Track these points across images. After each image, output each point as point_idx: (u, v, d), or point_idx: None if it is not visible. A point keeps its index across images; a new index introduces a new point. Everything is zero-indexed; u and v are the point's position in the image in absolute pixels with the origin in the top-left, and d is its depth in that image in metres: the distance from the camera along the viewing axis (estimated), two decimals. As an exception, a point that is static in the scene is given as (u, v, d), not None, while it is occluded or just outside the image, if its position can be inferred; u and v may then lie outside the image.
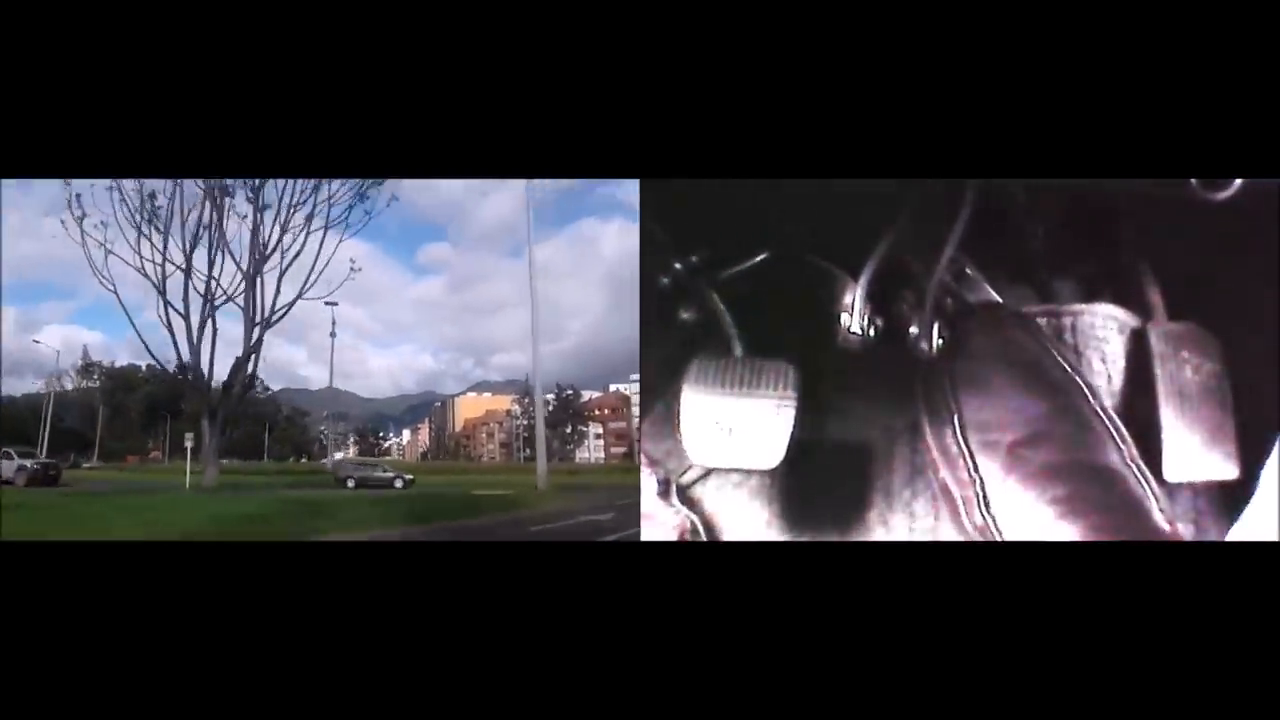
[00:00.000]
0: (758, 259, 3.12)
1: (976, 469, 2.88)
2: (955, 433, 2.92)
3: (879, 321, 3.04)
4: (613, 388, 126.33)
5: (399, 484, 32.21)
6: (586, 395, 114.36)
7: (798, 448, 2.77)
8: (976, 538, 2.85)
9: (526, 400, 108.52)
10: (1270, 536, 2.63)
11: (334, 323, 42.17)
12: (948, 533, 2.90)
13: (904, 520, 2.96)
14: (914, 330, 3.03)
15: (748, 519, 2.95)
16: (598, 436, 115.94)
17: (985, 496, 2.86)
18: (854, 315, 3.02)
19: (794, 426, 2.76)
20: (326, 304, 34.10)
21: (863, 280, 2.99)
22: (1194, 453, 2.87)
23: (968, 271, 3.11)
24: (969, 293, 3.11)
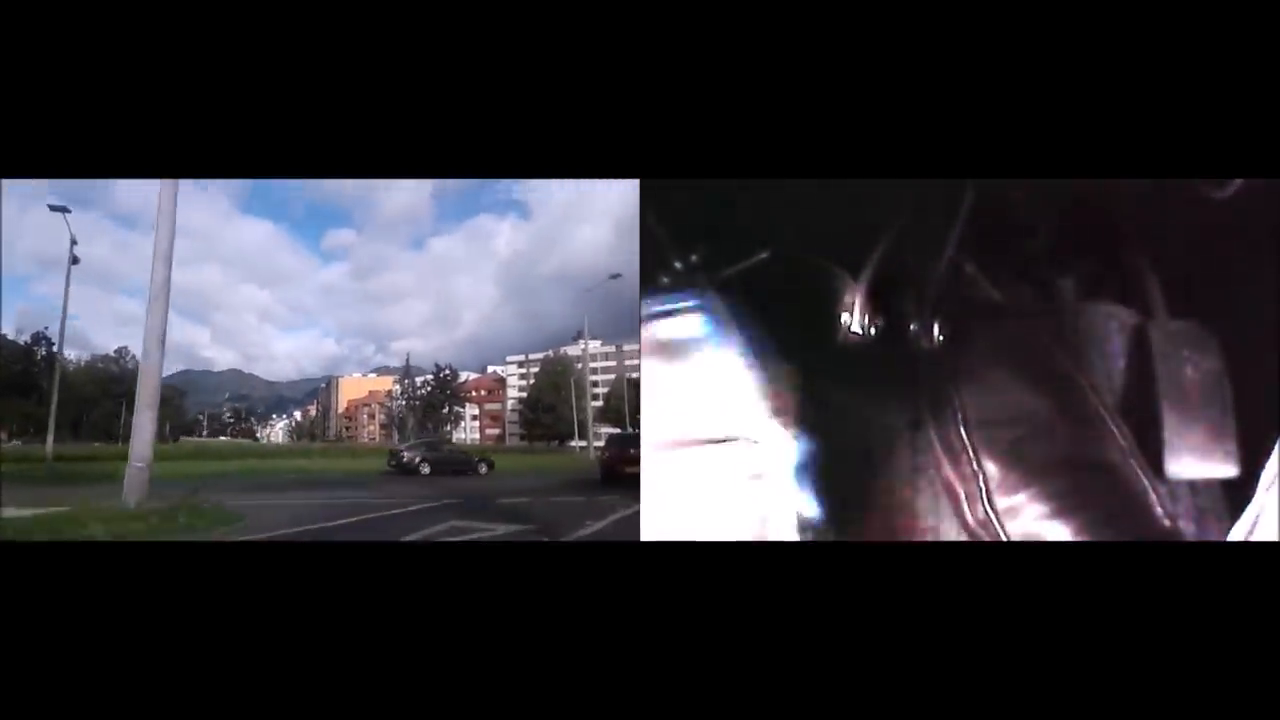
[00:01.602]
0: (758, 258, 3.10)
1: (979, 463, 2.92)
2: (958, 427, 2.95)
3: (880, 320, 3.05)
4: (490, 369, 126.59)
5: (483, 469, 27.09)
6: (465, 376, 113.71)
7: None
8: (979, 531, 2.88)
9: (406, 381, 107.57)
10: (1270, 536, 2.63)
11: (73, 242, 27.40)
12: (950, 527, 2.94)
13: (907, 515, 2.99)
14: (915, 328, 3.06)
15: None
16: (474, 417, 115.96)
17: (988, 490, 2.90)
18: (855, 314, 3.03)
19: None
20: (52, 209, 26.33)
21: (863, 279, 3.00)
22: (1194, 450, 2.91)
23: (968, 270, 3.14)
24: (970, 291, 3.14)
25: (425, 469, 25.71)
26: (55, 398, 28.85)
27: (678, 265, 3.08)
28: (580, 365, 70.52)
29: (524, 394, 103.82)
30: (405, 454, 27.23)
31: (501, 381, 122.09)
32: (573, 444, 71.93)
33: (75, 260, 27.69)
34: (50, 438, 28.78)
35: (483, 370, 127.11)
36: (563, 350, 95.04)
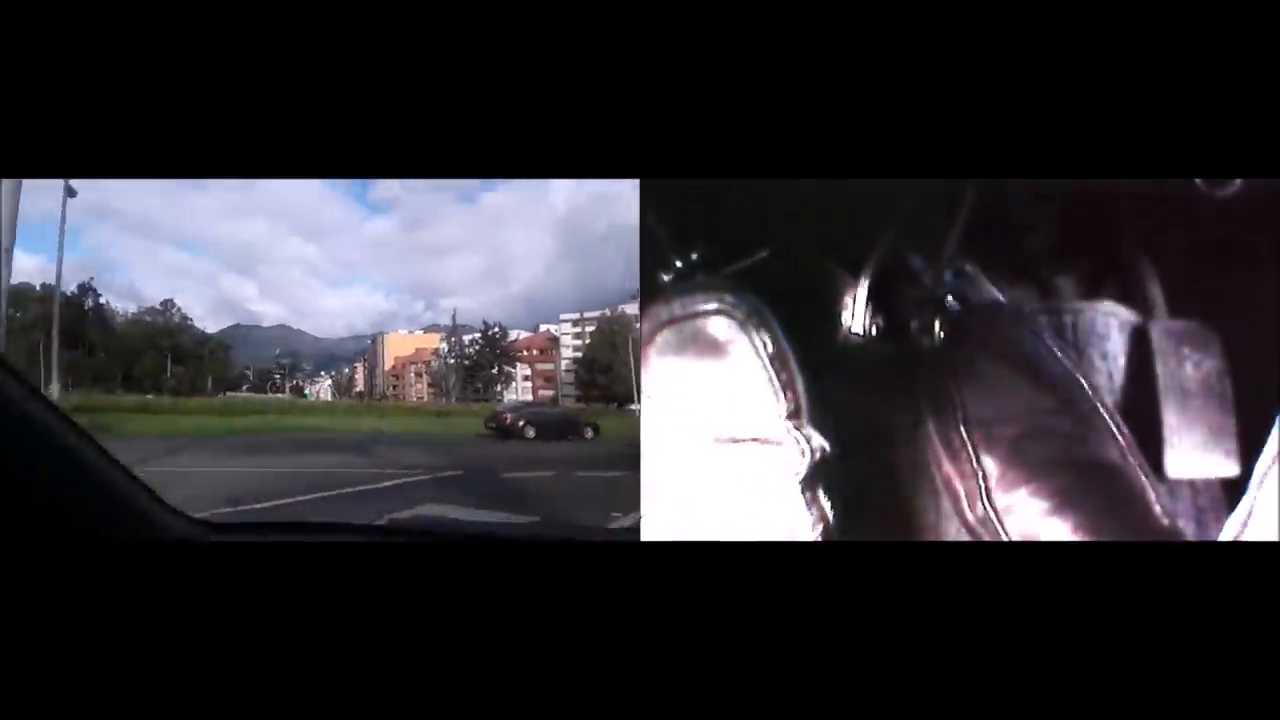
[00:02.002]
0: (758, 256, 3.11)
1: (979, 461, 2.92)
2: (958, 425, 2.95)
3: (880, 319, 3.06)
4: (543, 328, 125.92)
5: (589, 434, 26.99)
6: (515, 334, 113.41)
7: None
8: (978, 528, 2.90)
9: (454, 339, 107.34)
10: (1263, 533, 2.66)
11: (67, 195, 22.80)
12: (949, 524, 2.96)
13: (906, 513, 3.01)
14: (915, 327, 3.06)
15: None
16: (525, 378, 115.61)
17: (987, 488, 2.91)
18: (855, 313, 3.04)
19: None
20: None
21: (864, 278, 3.01)
22: (1194, 450, 2.92)
23: (968, 269, 3.14)
24: (970, 290, 3.14)
25: (530, 433, 25.73)
26: (56, 344, 29.69)
27: (678, 264, 3.11)
28: (638, 324, 69.65)
29: (579, 354, 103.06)
30: (509, 416, 27.15)
31: (555, 340, 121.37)
32: (631, 406, 71.29)
33: (72, 193, 28.20)
34: (56, 386, 29.42)
35: (535, 329, 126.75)
36: (620, 309, 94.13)
